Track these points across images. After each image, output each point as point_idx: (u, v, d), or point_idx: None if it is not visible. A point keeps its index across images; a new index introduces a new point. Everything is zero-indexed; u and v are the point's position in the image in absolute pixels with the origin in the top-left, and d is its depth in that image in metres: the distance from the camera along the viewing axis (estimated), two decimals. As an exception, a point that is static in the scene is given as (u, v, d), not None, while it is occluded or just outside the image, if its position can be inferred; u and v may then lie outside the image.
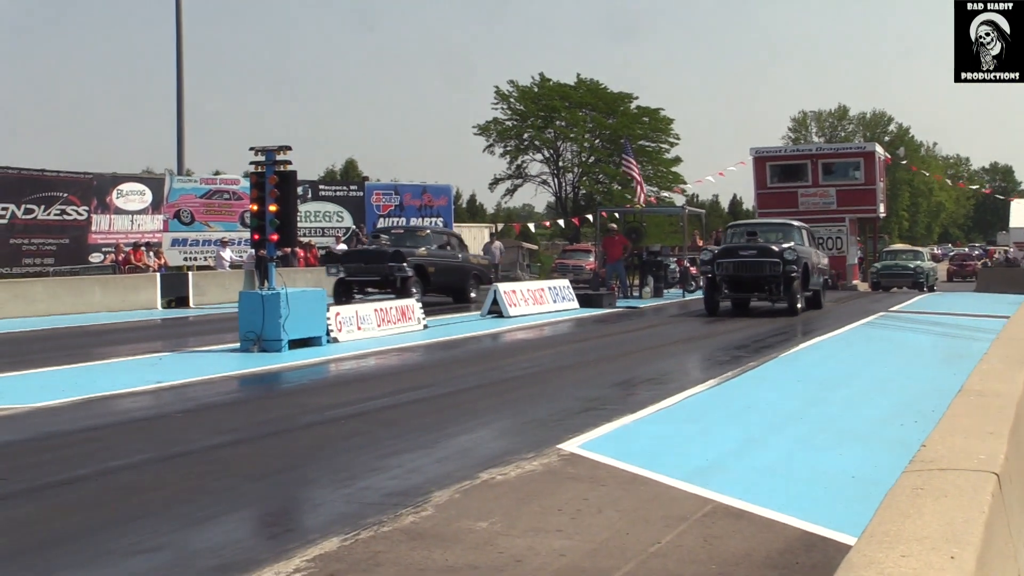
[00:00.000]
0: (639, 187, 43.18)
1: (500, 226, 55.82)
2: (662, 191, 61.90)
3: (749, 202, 59.42)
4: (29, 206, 31.38)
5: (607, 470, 7.95)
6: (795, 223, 25.96)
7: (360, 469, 8.15)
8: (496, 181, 66.30)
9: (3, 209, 30.74)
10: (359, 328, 18.53)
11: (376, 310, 19.51)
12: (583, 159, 65.50)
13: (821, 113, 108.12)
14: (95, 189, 33.68)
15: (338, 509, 6.98)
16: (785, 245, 23.07)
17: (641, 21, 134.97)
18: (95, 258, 32.98)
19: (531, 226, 52.01)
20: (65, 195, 32.57)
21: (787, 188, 43.80)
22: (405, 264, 25.25)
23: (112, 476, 8.17)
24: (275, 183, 16.79)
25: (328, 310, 17.80)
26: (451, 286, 28.28)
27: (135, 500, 7.37)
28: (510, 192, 67.34)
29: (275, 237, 16.81)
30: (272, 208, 16.75)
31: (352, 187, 43.48)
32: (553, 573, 5.55)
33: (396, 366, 15.95)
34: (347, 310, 18.84)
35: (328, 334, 17.55)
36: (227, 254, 33.86)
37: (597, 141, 64.44)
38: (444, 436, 9.58)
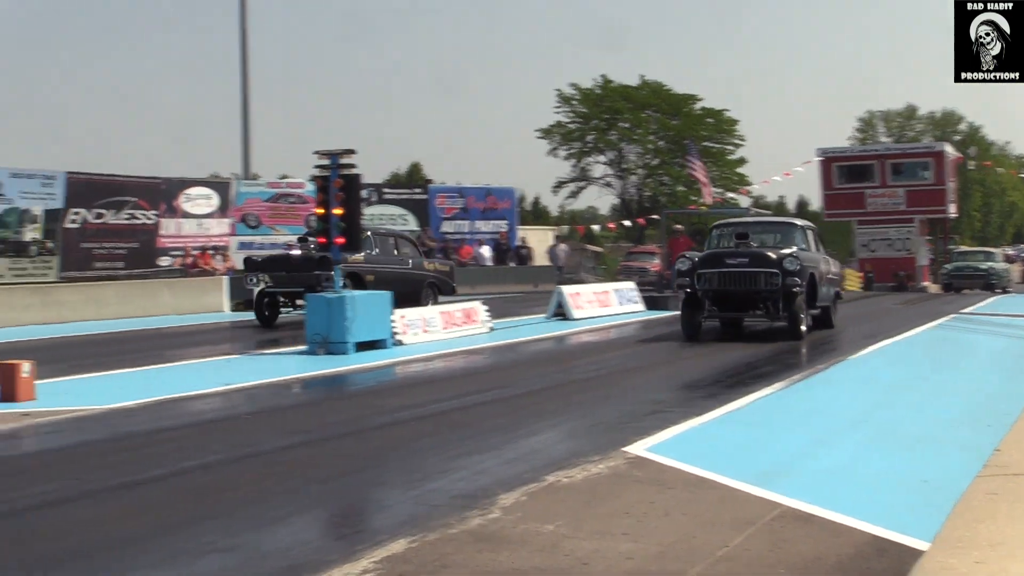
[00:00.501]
0: (704, 187, 42.96)
1: (565, 228, 55.75)
2: (727, 192, 61.46)
3: (816, 203, 58.83)
4: (100, 211, 31.86)
5: (673, 473, 7.93)
6: (797, 222, 21.62)
7: (428, 471, 8.18)
8: (560, 184, 66.21)
9: (75, 214, 31.23)
10: (425, 331, 18.62)
11: (441, 313, 19.62)
12: (647, 161, 65.24)
13: (889, 112, 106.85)
14: (163, 193, 34.09)
15: (406, 511, 7.02)
16: (785, 251, 18.62)
17: (702, 22, 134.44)
18: (163, 261, 33.40)
19: (596, 228, 51.93)
20: (134, 199, 33.02)
21: (855, 189, 43.41)
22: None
23: (184, 477, 8.29)
24: (340, 186, 16.91)
25: (393, 313, 17.89)
26: (398, 296, 21.90)
27: (207, 501, 7.46)
28: (574, 195, 67.22)
29: (341, 240, 16.94)
30: (337, 211, 16.88)
31: (416, 190, 43.65)
32: (621, 576, 5.55)
33: (462, 368, 16.00)
34: (412, 313, 18.94)
35: (393, 336, 17.64)
36: (294, 257, 34.10)
37: (661, 142, 64.14)
38: (511, 438, 9.60)
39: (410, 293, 23.21)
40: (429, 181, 56.62)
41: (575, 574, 5.60)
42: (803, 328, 18.32)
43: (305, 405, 12.72)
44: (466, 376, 15.14)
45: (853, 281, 41.56)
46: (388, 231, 26.90)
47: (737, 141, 64.26)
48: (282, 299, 22.83)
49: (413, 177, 71.36)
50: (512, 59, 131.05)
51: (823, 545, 6.06)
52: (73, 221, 31.17)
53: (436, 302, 23.83)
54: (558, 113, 64.58)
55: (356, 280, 21.98)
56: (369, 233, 23.95)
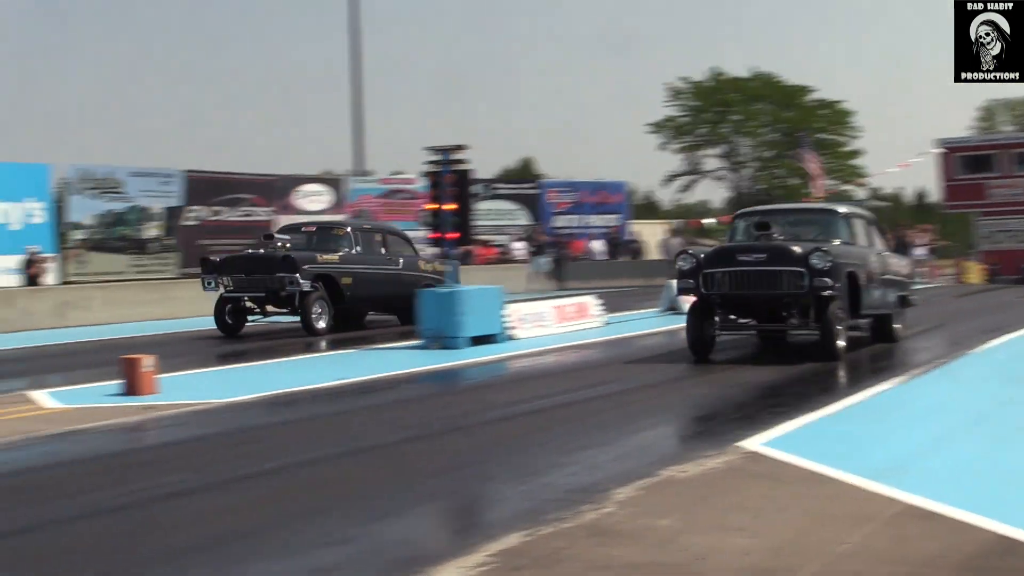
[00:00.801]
0: (814, 180, 42.36)
1: (677, 222, 55.43)
2: (842, 184, 60.45)
3: (936, 194, 57.57)
4: (216, 208, 32.54)
5: (790, 468, 7.80)
6: (840, 209, 16.83)
7: (540, 465, 8.18)
8: (671, 178, 65.79)
9: (192, 211, 31.94)
10: (537, 325, 18.63)
11: (555, 307, 19.64)
12: (760, 153, 64.48)
13: (1012, 101, 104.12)
14: (277, 190, 34.70)
15: (519, 505, 7.02)
16: (816, 246, 14.36)
17: (819, 12, 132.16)
18: (279, 258, 33.91)
19: (710, 221, 51.52)
20: (249, 197, 33.65)
21: (976, 179, 42.39)
22: (299, 275, 19.20)
23: (298, 470, 8.40)
24: (451, 182, 17.03)
25: (506, 307, 17.94)
26: (385, 302, 21.31)
27: (323, 493, 7.54)
28: (686, 188, 66.73)
29: (453, 235, 17.05)
30: (449, 207, 16.99)
31: (528, 185, 43.74)
32: (737, 571, 5.47)
33: (574, 363, 15.97)
34: (525, 307, 18.96)
35: (506, 331, 17.68)
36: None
37: (774, 134, 63.32)
38: (624, 433, 9.55)
39: (401, 297, 19.84)
40: (540, 176, 56.72)
41: (691, 569, 5.54)
42: (839, 343, 14.26)
43: (418, 399, 12.80)
44: (578, 370, 15.11)
45: (974, 274, 40.65)
46: (374, 226, 23.35)
47: (852, 133, 63.16)
48: (249, 304, 20.69)
49: (525, 172, 71.58)
50: (621, 52, 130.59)
51: (946, 543, 5.89)
52: (191, 218, 31.85)
53: None
54: (668, 107, 64.15)
55: (329, 283, 19.94)
56: (349, 229, 21.69)
